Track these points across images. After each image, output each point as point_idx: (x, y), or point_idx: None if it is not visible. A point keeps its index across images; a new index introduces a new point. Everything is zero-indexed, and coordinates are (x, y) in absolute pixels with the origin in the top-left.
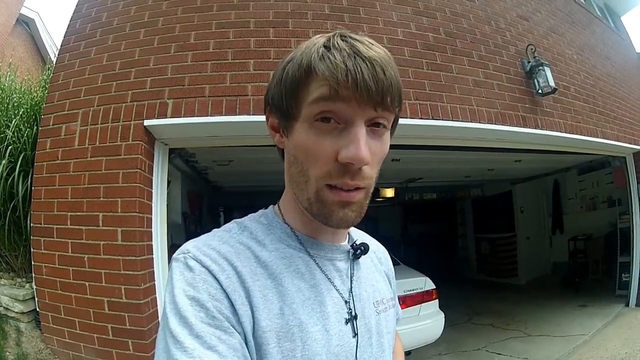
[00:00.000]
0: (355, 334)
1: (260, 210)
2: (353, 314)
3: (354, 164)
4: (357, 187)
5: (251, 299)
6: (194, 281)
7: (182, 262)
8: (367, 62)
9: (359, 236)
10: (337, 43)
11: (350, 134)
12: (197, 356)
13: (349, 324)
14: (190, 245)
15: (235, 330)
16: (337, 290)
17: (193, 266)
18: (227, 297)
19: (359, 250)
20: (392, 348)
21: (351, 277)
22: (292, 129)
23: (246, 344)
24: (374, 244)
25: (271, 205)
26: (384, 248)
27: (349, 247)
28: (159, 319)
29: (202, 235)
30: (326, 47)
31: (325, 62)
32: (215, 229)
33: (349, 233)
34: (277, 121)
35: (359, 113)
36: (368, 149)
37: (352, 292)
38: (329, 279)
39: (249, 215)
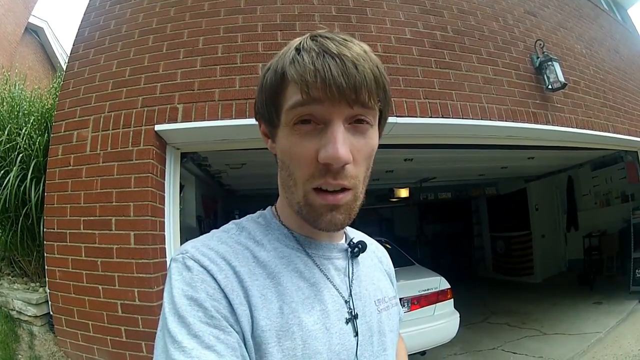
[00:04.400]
0: (356, 334)
1: (258, 212)
2: (353, 313)
3: (332, 163)
4: (343, 187)
5: (250, 298)
6: (192, 281)
7: (180, 262)
8: (337, 59)
9: (356, 235)
10: (306, 44)
11: (326, 133)
12: (195, 356)
13: (349, 323)
14: (188, 246)
15: (234, 329)
16: (337, 288)
17: (191, 266)
18: (225, 296)
19: (357, 249)
20: (395, 347)
21: (350, 276)
22: (277, 135)
23: (244, 343)
24: (373, 244)
25: (269, 207)
26: (383, 248)
27: (346, 245)
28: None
29: (201, 236)
30: (297, 49)
31: (295, 66)
32: (214, 230)
33: (345, 232)
34: (264, 128)
35: (335, 112)
36: (347, 148)
37: (351, 291)
38: (327, 277)
39: (247, 216)
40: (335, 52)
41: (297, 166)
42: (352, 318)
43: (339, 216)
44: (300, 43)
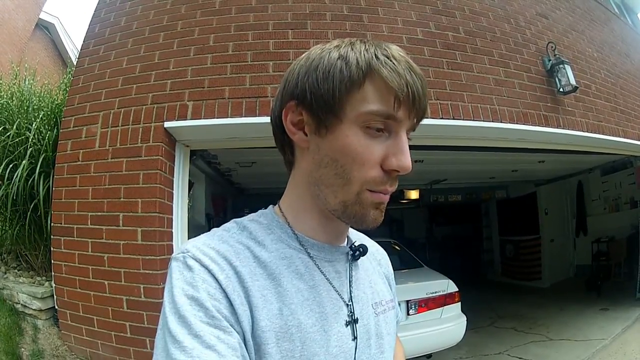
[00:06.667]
0: (355, 338)
1: (259, 211)
2: (354, 317)
3: (400, 171)
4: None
5: (250, 298)
6: (193, 280)
7: (181, 261)
8: (419, 78)
9: (358, 238)
10: (393, 53)
11: (397, 143)
12: (196, 355)
13: (349, 326)
14: (189, 245)
15: (234, 329)
16: (337, 291)
17: (192, 265)
18: (226, 296)
19: (358, 252)
20: (393, 349)
21: (350, 279)
22: (335, 130)
23: (245, 343)
24: (373, 246)
25: (270, 206)
26: (384, 250)
27: (347, 248)
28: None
29: (202, 235)
30: (379, 53)
31: (388, 68)
32: (215, 229)
33: (347, 235)
34: (308, 118)
35: (406, 124)
36: None
37: (351, 294)
38: (328, 280)
39: (249, 215)
40: (416, 71)
41: (358, 166)
42: (352, 322)
43: (381, 212)
44: (377, 47)
